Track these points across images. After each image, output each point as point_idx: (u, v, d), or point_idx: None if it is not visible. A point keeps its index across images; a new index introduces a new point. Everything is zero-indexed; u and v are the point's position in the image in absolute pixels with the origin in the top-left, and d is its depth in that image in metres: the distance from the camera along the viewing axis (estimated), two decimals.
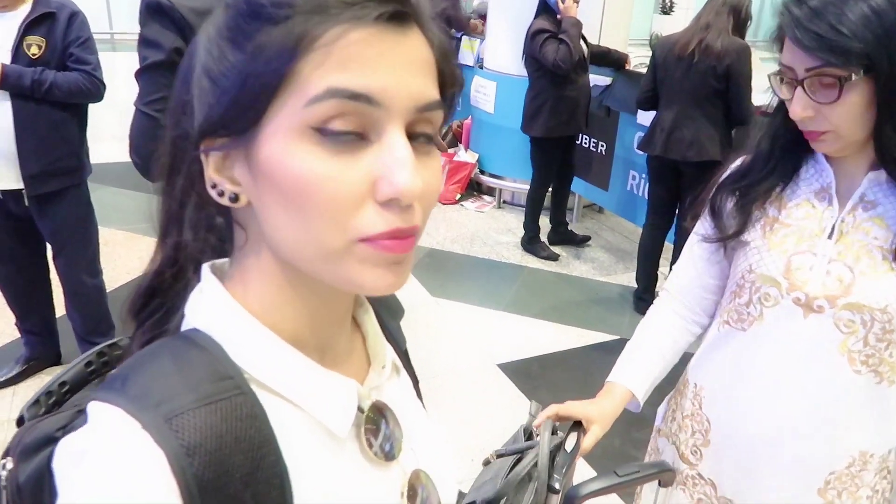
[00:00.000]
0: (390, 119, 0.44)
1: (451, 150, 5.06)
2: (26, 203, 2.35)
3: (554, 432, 0.99)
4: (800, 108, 0.93)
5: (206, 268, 0.52)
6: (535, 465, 0.90)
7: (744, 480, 1.12)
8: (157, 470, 0.42)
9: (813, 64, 0.90)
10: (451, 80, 0.50)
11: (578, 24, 3.70)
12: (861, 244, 1.00)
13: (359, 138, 0.44)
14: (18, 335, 2.77)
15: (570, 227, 4.39)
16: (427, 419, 0.66)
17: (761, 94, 3.07)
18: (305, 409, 0.51)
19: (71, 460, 0.44)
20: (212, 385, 0.46)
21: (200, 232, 0.52)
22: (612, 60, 4.15)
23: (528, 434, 1.04)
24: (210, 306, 0.51)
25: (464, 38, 5.73)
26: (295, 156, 0.43)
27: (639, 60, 4.77)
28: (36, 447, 0.49)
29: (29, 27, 2.24)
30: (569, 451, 0.97)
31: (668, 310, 1.22)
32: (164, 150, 0.51)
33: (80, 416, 0.48)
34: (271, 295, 0.51)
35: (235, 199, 0.48)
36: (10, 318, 2.74)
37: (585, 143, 4.51)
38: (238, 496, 0.44)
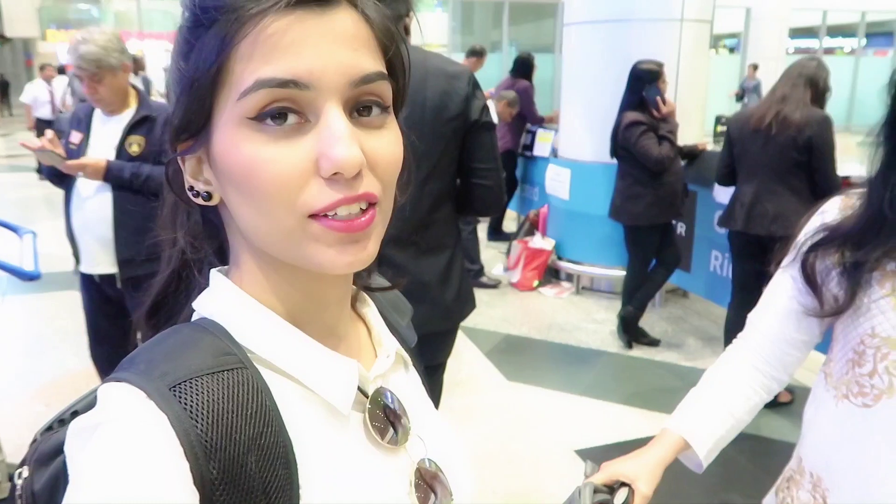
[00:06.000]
0: (323, 98, 0.46)
1: (525, 238, 5.07)
2: (119, 285, 2.51)
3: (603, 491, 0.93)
4: None
5: (213, 271, 0.55)
6: None
7: None
8: (161, 434, 0.43)
9: None
10: (395, 51, 0.51)
11: (677, 125, 3.70)
12: None
13: (297, 123, 0.46)
14: None
15: (653, 312, 4.21)
16: (438, 415, 0.65)
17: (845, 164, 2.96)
18: (308, 386, 0.51)
19: (81, 436, 0.44)
20: (214, 359, 0.47)
21: (193, 234, 0.56)
22: (685, 155, 4.08)
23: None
24: (215, 296, 0.53)
25: (539, 130, 5.87)
26: (239, 145, 0.46)
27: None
28: (51, 454, 0.51)
29: (132, 128, 2.47)
30: None
31: (743, 360, 1.08)
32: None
33: None
34: (261, 282, 0.53)
35: (209, 197, 0.51)
36: None
37: None
38: (241, 460, 0.44)
